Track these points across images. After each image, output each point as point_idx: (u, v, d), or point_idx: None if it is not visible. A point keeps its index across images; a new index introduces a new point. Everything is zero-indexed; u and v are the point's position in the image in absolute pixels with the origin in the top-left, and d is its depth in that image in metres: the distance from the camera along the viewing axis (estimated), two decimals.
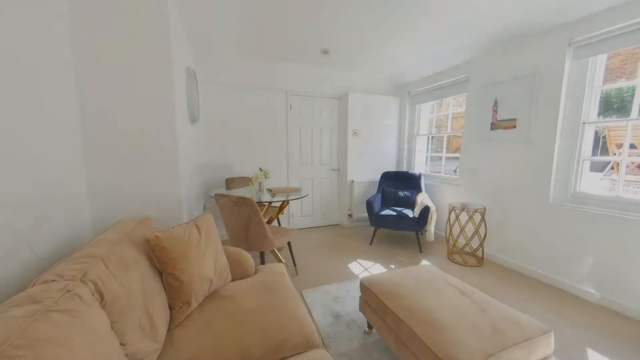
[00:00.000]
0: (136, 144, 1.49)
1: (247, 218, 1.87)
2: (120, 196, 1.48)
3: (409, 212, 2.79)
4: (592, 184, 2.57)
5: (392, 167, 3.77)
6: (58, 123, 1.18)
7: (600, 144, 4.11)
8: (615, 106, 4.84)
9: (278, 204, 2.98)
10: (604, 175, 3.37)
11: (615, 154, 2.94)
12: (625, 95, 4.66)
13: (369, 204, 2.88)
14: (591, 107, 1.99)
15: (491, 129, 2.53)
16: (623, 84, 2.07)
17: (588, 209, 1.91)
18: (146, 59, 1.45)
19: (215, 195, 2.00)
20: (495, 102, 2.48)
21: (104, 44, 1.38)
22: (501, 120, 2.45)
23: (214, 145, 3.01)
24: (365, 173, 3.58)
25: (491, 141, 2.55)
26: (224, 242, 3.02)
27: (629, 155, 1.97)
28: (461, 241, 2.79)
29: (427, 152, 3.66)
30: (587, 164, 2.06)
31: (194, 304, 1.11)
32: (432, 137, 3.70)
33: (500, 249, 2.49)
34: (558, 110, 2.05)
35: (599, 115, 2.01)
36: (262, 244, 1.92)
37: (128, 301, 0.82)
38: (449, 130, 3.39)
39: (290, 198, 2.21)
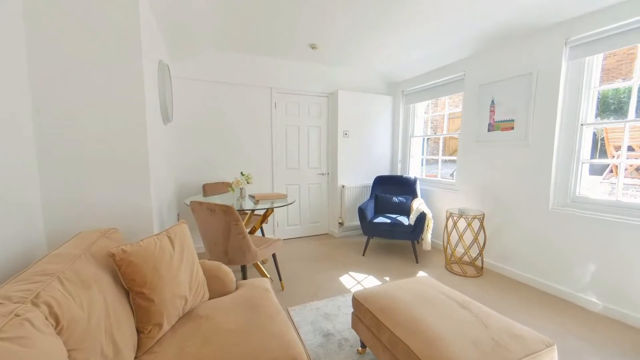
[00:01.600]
0: (100, 146, 1.44)
1: (227, 228, 1.84)
2: (81, 205, 1.43)
3: (404, 220, 2.84)
4: (591, 187, 2.72)
5: (385, 171, 3.84)
6: (3, 121, 1.13)
7: (599, 147, 4.36)
8: (612, 107, 5.17)
9: (262, 212, 2.95)
10: (603, 178, 3.57)
11: (613, 156, 3.13)
12: (622, 96, 4.98)
13: (361, 211, 2.91)
14: (588, 108, 2.12)
15: (489, 130, 2.64)
16: (619, 84, 2.22)
17: (588, 214, 2.01)
18: (113, 50, 1.42)
19: (191, 203, 1.97)
20: (492, 102, 2.59)
21: (64, 33, 1.34)
22: (499, 122, 2.55)
23: (189, 147, 2.96)
24: (356, 177, 3.62)
25: (489, 143, 2.65)
26: (200, 256, 2.96)
27: (627, 158, 2.11)
28: (459, 250, 2.86)
29: (423, 154, 3.75)
30: (586, 167, 2.17)
31: (166, 327, 1.08)
32: (428, 138, 3.80)
33: (500, 258, 2.57)
34: (556, 111, 2.16)
35: (596, 117, 2.14)
36: (243, 257, 1.89)
37: (88, 325, 0.79)
38: (444, 131, 3.50)
39: (275, 205, 2.20)
